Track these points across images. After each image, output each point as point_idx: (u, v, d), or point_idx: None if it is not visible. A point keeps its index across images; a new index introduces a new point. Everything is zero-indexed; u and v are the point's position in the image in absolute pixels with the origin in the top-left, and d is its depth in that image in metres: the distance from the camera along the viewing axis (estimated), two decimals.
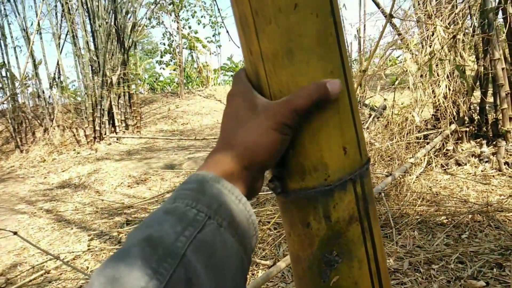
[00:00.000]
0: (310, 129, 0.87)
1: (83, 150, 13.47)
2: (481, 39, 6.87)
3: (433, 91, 6.91)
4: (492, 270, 3.27)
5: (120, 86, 14.98)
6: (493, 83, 6.84)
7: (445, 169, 6.40)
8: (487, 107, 7.31)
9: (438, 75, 6.71)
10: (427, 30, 6.86)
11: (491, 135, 7.02)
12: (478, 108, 7.27)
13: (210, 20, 24.05)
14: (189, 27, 23.91)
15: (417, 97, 7.04)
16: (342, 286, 0.93)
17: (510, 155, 6.37)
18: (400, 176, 5.56)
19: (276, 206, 5.10)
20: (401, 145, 6.85)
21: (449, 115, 6.94)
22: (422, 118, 7.32)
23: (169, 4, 22.36)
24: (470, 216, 4.40)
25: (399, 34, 8.28)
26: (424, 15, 7.10)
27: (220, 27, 24.36)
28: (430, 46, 6.64)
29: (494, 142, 6.74)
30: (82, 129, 14.43)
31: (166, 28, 25.49)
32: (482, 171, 6.23)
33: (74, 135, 14.56)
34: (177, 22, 23.23)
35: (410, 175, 5.83)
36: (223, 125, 0.91)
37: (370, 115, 8.73)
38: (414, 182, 5.66)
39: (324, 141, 0.87)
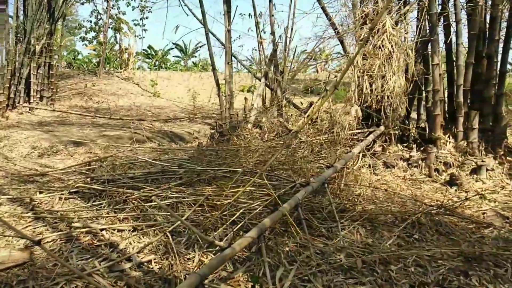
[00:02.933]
0: None
1: None
2: (421, 42, 6.62)
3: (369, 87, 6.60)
4: (459, 277, 2.88)
5: (42, 56, 14.19)
6: (425, 88, 6.72)
7: (373, 170, 6.08)
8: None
9: (383, 70, 6.34)
10: (376, 25, 6.46)
11: (418, 140, 6.80)
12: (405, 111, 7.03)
13: (139, 3, 23.25)
14: (118, 8, 23.19)
15: (351, 95, 6.72)
16: None
17: (440, 162, 6.13)
18: (336, 172, 5.13)
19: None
20: (329, 140, 6.52)
21: (378, 116, 6.70)
22: (351, 118, 6.99)
23: None
24: (415, 217, 4.04)
25: (336, 30, 7.91)
26: (374, 11, 6.71)
27: (148, 12, 23.62)
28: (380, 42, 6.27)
29: (422, 148, 6.49)
30: None
31: (96, 6, 24.56)
32: (411, 175, 5.98)
33: None
34: (108, 1, 22.44)
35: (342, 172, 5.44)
36: None
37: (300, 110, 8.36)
38: (348, 178, 5.27)
39: None
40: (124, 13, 24.00)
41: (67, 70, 23.88)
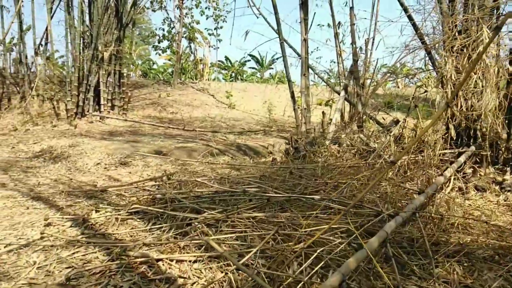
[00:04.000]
0: None
1: (62, 124, 12.47)
2: None
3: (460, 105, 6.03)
4: None
5: (111, 64, 14.03)
6: None
7: (462, 193, 5.52)
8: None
9: (481, 86, 5.73)
10: (469, 36, 5.86)
11: (511, 163, 6.22)
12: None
13: (213, 12, 23.02)
14: (192, 16, 22.90)
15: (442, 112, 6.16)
16: None
17: None
18: (427, 198, 4.60)
19: None
20: (419, 160, 5.97)
21: (468, 135, 6.14)
22: (439, 136, 6.45)
23: None
24: None
25: (422, 41, 7.33)
26: (465, 19, 6.12)
27: (223, 21, 23.37)
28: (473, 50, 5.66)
29: None
30: (64, 102, 13.39)
31: (168, 14, 24.40)
32: (504, 200, 5.36)
33: (54, 108, 13.53)
34: (180, 9, 22.28)
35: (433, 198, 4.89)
36: None
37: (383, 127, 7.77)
38: (440, 205, 4.73)
39: None
40: (198, 22, 23.63)
41: (140, 79, 23.96)
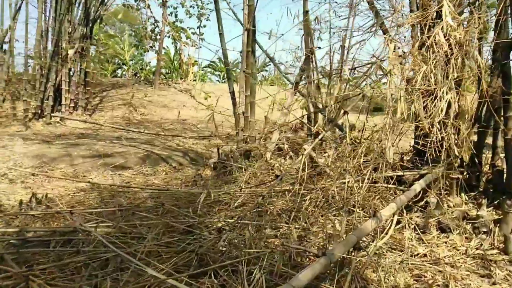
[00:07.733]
0: None
1: (15, 125, 10.79)
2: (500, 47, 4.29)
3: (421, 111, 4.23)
4: None
5: (76, 62, 12.34)
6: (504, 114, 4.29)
7: (419, 235, 3.71)
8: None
9: (434, 84, 3.77)
10: (425, 17, 4.00)
11: (491, 190, 4.44)
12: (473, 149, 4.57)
13: (198, 11, 21.25)
14: (176, 15, 21.10)
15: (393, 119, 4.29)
16: None
17: None
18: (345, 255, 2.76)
19: None
20: (359, 186, 4.07)
21: (434, 152, 4.23)
22: (397, 150, 4.70)
23: None
24: None
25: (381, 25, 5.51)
26: None
27: (207, 20, 21.60)
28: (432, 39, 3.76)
29: (496, 202, 4.17)
30: (23, 102, 11.69)
31: (152, 12, 22.68)
32: (476, 248, 3.50)
33: (14, 107, 11.82)
34: (164, 7, 20.50)
35: (362, 250, 3.08)
36: None
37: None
38: (369, 266, 2.91)
39: None
40: (181, 21, 21.79)
41: (121, 79, 22.26)
